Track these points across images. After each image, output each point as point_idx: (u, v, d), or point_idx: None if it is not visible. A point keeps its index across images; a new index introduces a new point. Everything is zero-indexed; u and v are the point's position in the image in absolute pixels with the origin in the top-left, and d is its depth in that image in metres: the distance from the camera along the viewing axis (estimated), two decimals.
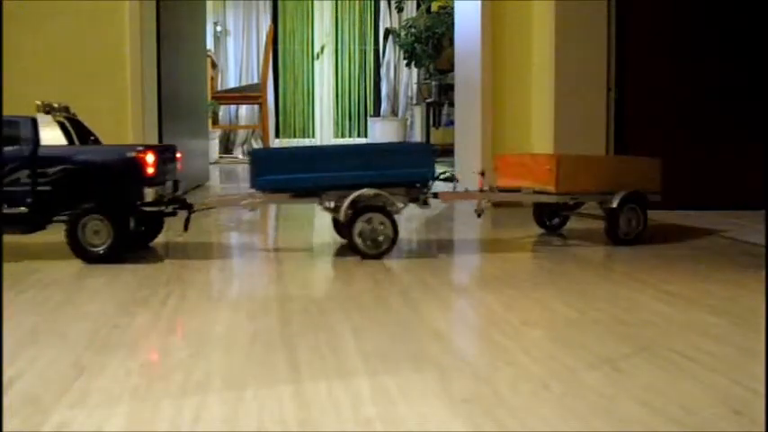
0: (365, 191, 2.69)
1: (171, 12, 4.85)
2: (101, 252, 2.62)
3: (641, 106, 4.30)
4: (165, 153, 2.82)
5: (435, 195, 2.92)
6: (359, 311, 1.98)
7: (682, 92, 4.30)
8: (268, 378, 1.44)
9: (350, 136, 11.77)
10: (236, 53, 11.15)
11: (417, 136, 10.29)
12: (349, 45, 11.69)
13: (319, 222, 3.72)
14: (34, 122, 2.71)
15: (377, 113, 11.58)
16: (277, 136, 11.43)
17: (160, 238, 3.07)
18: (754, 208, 3.93)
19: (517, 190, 3.07)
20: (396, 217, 2.72)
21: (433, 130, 9.54)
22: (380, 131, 10.60)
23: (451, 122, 8.08)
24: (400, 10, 11.08)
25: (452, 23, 5.71)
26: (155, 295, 2.17)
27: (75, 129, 2.95)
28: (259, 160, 2.78)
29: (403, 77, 11.44)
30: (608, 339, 1.73)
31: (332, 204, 2.78)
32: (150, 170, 2.64)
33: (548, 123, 4.27)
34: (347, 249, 3.14)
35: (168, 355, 1.60)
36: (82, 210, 2.61)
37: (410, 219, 3.90)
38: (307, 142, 11.53)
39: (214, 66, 9.68)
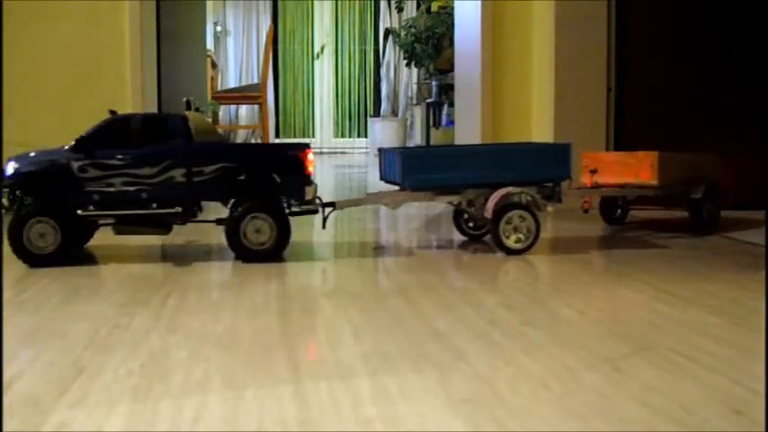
0: (510, 189, 2.80)
1: (171, 12, 4.85)
2: (262, 250, 2.61)
3: (641, 106, 4.29)
4: None
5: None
6: (359, 311, 1.98)
7: (682, 92, 4.29)
8: (268, 378, 1.44)
9: (350, 136, 11.77)
10: (236, 53, 11.15)
11: (417, 136, 10.29)
12: (349, 45, 11.70)
13: (319, 222, 3.72)
14: (185, 120, 2.67)
15: (377, 113, 11.58)
16: (277, 136, 11.43)
17: (160, 239, 3.07)
18: (754, 208, 3.93)
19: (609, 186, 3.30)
20: (539, 215, 2.82)
21: (433, 130, 9.53)
22: (380, 131, 10.59)
23: (451, 122, 8.08)
24: (400, 10, 11.09)
25: (452, 23, 5.71)
26: (155, 295, 2.17)
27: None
28: (407, 160, 2.85)
29: (403, 77, 11.45)
30: (608, 339, 1.73)
31: (469, 202, 2.88)
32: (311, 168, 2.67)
33: (548, 123, 4.27)
34: (347, 249, 3.14)
35: (168, 355, 1.60)
36: (245, 209, 2.59)
37: (410, 219, 3.91)
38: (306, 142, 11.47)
39: (214, 66, 9.68)
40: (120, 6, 4.31)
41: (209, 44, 9.93)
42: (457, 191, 2.88)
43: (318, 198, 2.79)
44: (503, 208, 2.78)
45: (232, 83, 10.84)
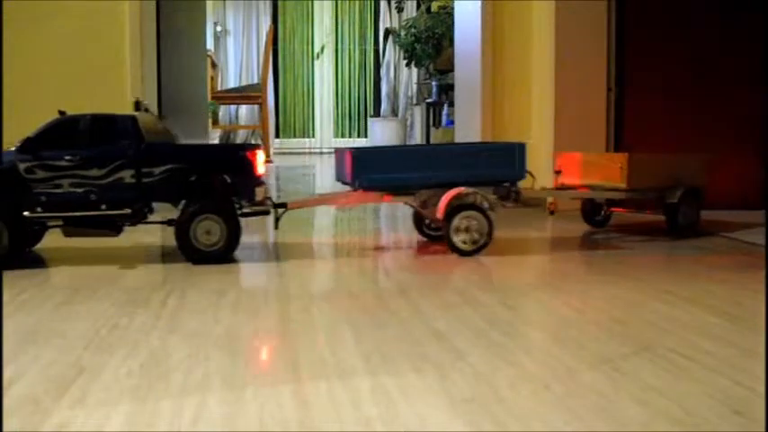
0: (462, 189, 2.75)
1: (171, 12, 4.85)
2: (212, 251, 2.57)
3: (641, 106, 4.29)
4: None
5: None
6: (359, 311, 1.98)
7: (682, 92, 4.29)
8: (268, 378, 1.44)
9: (350, 136, 11.77)
10: (236, 53, 11.15)
11: (417, 136, 10.29)
12: (349, 45, 11.70)
13: (319, 222, 3.72)
14: (134, 120, 2.62)
15: (377, 113, 11.58)
16: (277, 136, 11.43)
17: (159, 239, 3.07)
18: (754, 208, 3.93)
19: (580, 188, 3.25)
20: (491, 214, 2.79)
21: (433, 130, 9.53)
22: (380, 131, 10.59)
23: (451, 122, 8.08)
24: (400, 10, 11.09)
25: (452, 23, 5.71)
26: (155, 295, 2.17)
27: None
28: (359, 160, 2.81)
29: (403, 77, 11.44)
30: (608, 339, 1.73)
31: (422, 203, 2.84)
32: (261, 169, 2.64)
33: (548, 123, 4.27)
34: (348, 249, 3.14)
35: (168, 355, 1.60)
36: (195, 210, 2.56)
37: (410, 219, 3.90)
38: (307, 142, 11.53)
39: (214, 66, 9.68)
40: (120, 6, 4.31)
41: (209, 44, 9.93)
42: (410, 191, 2.83)
43: (269, 199, 2.76)
44: (454, 208, 2.72)
45: (232, 83, 10.84)
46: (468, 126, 4.77)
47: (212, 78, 8.94)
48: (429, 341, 1.70)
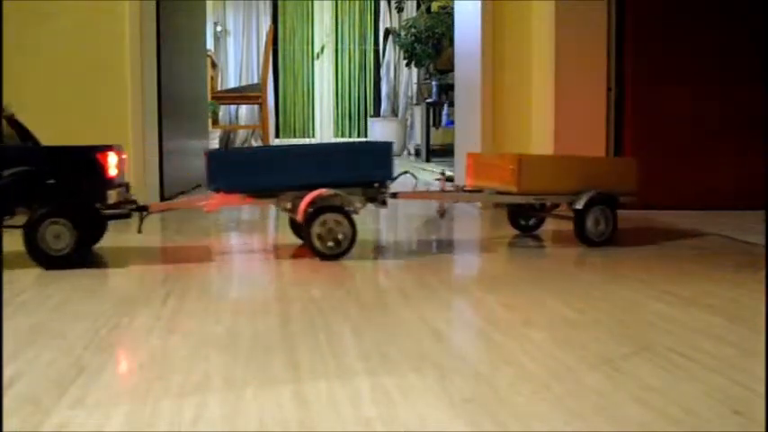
0: (323, 191, 2.66)
1: (171, 12, 4.85)
2: (63, 256, 2.50)
3: (641, 106, 4.30)
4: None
5: (394, 195, 2.89)
6: (359, 311, 1.98)
7: (682, 91, 4.30)
8: (268, 378, 1.44)
9: (350, 136, 11.78)
10: (236, 53, 11.16)
11: (417, 136, 10.29)
12: (349, 45, 11.70)
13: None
14: None
15: (377, 113, 11.59)
16: (277, 136, 11.44)
17: (157, 239, 3.07)
18: (754, 208, 3.94)
19: (481, 190, 3.07)
20: (354, 217, 2.71)
21: (432, 130, 9.53)
22: (380, 131, 10.60)
23: (451, 122, 8.08)
24: (400, 10, 11.09)
25: (452, 23, 5.71)
26: (155, 295, 2.17)
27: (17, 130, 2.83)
28: (214, 161, 2.73)
29: (403, 77, 11.45)
30: (608, 339, 1.73)
31: (289, 205, 2.76)
32: (113, 171, 2.55)
33: (548, 123, 4.27)
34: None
35: (168, 355, 1.60)
36: (43, 213, 2.48)
37: (409, 218, 3.91)
38: (307, 142, 11.53)
39: (214, 66, 9.68)
40: (120, 6, 4.31)
41: (209, 44, 9.93)
42: (274, 194, 2.76)
43: (131, 201, 2.71)
44: (315, 211, 2.65)
45: (232, 83, 10.84)
46: (468, 126, 4.77)
47: (212, 78, 8.94)
48: (429, 341, 1.70)
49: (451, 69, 6.65)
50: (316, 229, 2.66)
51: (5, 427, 1.20)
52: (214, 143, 9.41)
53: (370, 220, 3.86)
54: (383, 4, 11.25)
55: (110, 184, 2.56)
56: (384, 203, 2.81)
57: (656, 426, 1.22)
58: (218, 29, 10.79)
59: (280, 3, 11.25)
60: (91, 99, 4.32)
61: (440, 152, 8.99)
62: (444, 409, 1.28)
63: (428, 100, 9.37)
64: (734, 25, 4.27)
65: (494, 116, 4.58)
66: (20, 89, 4.24)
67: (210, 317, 1.93)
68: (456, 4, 5.29)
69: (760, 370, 1.49)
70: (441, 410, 1.28)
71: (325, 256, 2.67)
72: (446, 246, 3.21)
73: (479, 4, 4.52)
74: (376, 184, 2.81)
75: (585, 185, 2.96)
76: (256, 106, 9.87)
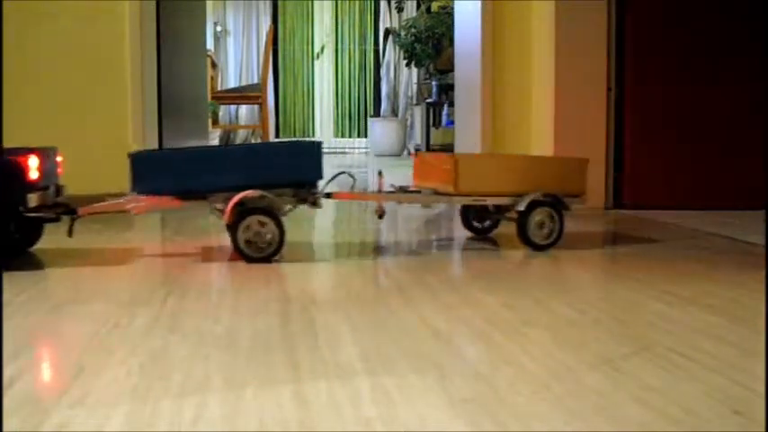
0: (249, 192, 2.61)
1: (171, 12, 4.85)
2: None
3: (641, 106, 4.30)
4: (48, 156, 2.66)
5: (329, 195, 2.85)
6: (359, 311, 1.98)
7: (682, 91, 4.30)
8: (268, 378, 1.44)
9: (350, 136, 11.77)
10: (236, 53, 11.16)
11: (417, 136, 10.29)
12: (349, 45, 11.71)
13: (319, 222, 3.72)
14: None
15: (377, 113, 11.59)
16: (277, 136, 11.44)
17: (158, 240, 3.07)
18: (754, 208, 3.94)
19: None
20: (283, 218, 2.67)
21: (432, 130, 9.54)
22: (380, 131, 10.60)
23: (451, 122, 8.08)
24: (400, 10, 11.10)
25: (452, 23, 5.71)
26: (155, 295, 2.17)
27: None
28: (139, 163, 2.67)
29: (403, 77, 11.45)
30: (608, 339, 1.73)
31: (220, 206, 2.71)
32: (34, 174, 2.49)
33: (548, 123, 4.27)
34: (348, 249, 3.14)
35: (168, 355, 1.60)
36: None
37: (408, 219, 3.91)
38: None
39: (214, 66, 9.68)
40: (120, 6, 4.31)
41: (210, 44, 9.93)
42: (202, 196, 2.69)
43: (64, 205, 2.66)
44: (240, 213, 2.59)
45: (232, 83, 10.85)
46: (468, 126, 4.78)
47: (212, 78, 8.95)
48: (429, 341, 1.70)
49: (451, 69, 6.65)
50: (241, 231, 2.61)
51: (5, 427, 1.20)
52: (214, 143, 9.41)
53: (370, 221, 3.86)
54: (383, 4, 11.25)
55: (30, 188, 2.50)
56: (315, 204, 2.76)
57: (656, 426, 1.22)
58: (218, 29, 10.79)
59: (280, 3, 11.26)
60: (91, 99, 4.32)
61: (440, 152, 8.99)
62: (444, 409, 1.28)
63: (428, 100, 9.37)
64: (734, 25, 4.27)
65: (494, 116, 4.58)
66: (20, 89, 4.24)
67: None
68: (456, 4, 5.29)
69: (760, 370, 1.49)
70: (441, 410, 1.28)
71: (251, 259, 2.62)
72: (446, 246, 3.21)
73: (479, 4, 4.53)
74: (307, 186, 2.74)
75: (531, 186, 2.85)
76: (256, 106, 9.87)
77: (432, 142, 9.17)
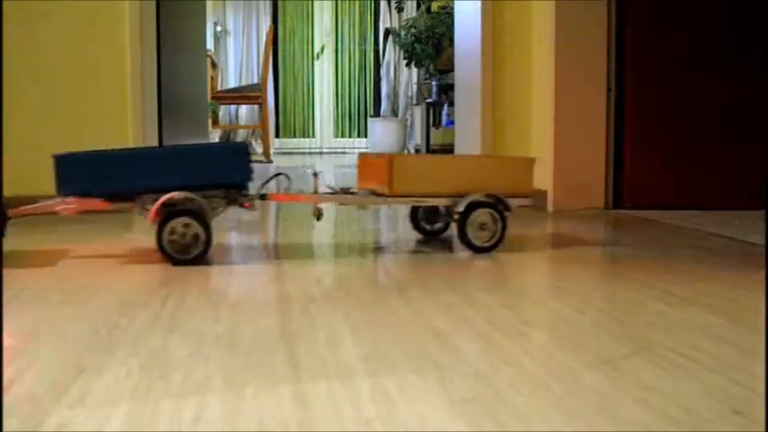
0: (175, 194, 2.60)
1: (171, 12, 4.85)
2: None
3: (641, 106, 4.30)
4: None
5: (263, 197, 2.83)
6: (359, 311, 1.98)
7: (682, 91, 4.30)
8: (268, 378, 1.44)
9: (350, 136, 11.77)
10: (236, 53, 11.16)
11: (417, 136, 10.29)
12: (349, 45, 11.71)
13: (319, 222, 3.72)
14: None
15: (377, 113, 11.60)
16: (277, 136, 11.44)
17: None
18: (754, 208, 3.94)
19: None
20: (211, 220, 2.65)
21: (432, 130, 9.54)
22: (380, 131, 10.60)
23: (451, 122, 8.08)
24: (400, 10, 11.10)
25: (452, 23, 5.71)
26: (154, 295, 2.17)
27: None
28: (63, 165, 2.64)
29: (403, 77, 11.45)
30: (608, 339, 1.73)
31: (149, 208, 2.67)
32: None
33: (548, 123, 4.27)
34: (348, 249, 3.14)
35: (168, 355, 1.60)
36: None
37: (407, 219, 3.90)
38: (307, 142, 11.53)
39: (214, 66, 9.69)
40: (120, 6, 4.31)
41: (210, 44, 9.94)
42: (131, 197, 2.67)
43: None
44: (165, 216, 2.57)
45: (232, 83, 10.85)
46: (468, 126, 4.78)
47: (212, 78, 8.95)
48: (429, 341, 1.70)
49: (451, 69, 6.65)
50: (166, 233, 2.59)
51: (5, 427, 1.20)
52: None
53: (371, 221, 3.86)
54: (383, 4, 11.25)
55: None
56: (244, 206, 2.74)
57: (656, 426, 1.22)
58: (218, 29, 10.79)
59: (280, 3, 11.26)
60: (91, 99, 4.32)
61: (440, 152, 8.99)
62: (444, 409, 1.28)
63: (428, 100, 9.37)
64: (734, 25, 4.27)
65: (494, 116, 4.58)
66: (20, 89, 4.24)
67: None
68: (456, 4, 5.29)
69: (760, 370, 1.49)
70: (441, 410, 1.28)
71: (176, 261, 2.61)
72: (446, 245, 3.21)
73: (479, 4, 4.53)
74: (236, 188, 2.72)
75: (473, 187, 2.80)
76: (256, 106, 9.87)
77: (432, 142, 9.17)
